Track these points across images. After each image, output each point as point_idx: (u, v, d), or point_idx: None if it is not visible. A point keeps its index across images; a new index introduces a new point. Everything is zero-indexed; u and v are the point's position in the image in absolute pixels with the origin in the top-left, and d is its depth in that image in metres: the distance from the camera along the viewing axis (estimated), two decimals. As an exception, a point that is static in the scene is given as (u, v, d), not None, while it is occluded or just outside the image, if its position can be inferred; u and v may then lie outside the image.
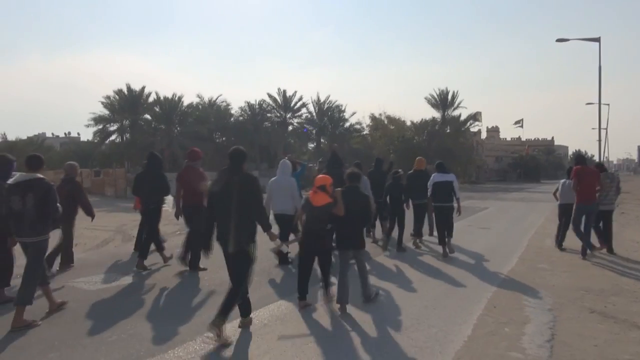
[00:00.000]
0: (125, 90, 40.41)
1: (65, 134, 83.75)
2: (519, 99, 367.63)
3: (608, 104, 47.62)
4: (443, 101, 50.08)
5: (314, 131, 47.08)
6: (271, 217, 6.63)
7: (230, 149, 4.63)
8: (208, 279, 6.68)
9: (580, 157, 9.05)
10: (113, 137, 41.93)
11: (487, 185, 48.78)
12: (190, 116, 41.81)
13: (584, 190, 8.33)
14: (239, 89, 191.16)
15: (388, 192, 9.10)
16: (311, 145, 49.77)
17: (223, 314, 4.27)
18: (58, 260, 7.29)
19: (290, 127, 47.28)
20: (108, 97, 40.54)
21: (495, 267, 7.48)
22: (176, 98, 39.58)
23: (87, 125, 40.12)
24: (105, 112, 40.47)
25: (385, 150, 46.25)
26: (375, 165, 10.24)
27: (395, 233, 9.10)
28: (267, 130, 45.83)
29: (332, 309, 5.19)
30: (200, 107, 44.35)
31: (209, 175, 7.25)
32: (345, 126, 47.46)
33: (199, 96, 45.84)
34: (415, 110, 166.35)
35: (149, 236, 7.54)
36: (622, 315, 5.03)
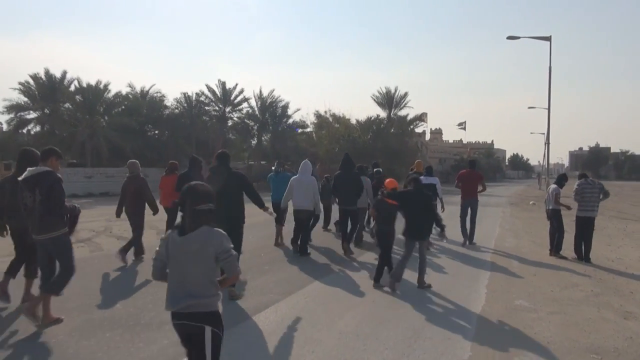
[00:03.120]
0: (42, 75, 36.08)
1: (-16, 122, 76.44)
2: (461, 102, 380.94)
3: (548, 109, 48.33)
4: (389, 100, 48.98)
5: (255, 127, 44.49)
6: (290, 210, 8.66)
7: (218, 152, 6.23)
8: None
9: (472, 162, 11.00)
10: (30, 126, 37.57)
11: (432, 187, 48.15)
12: (118, 106, 38.03)
13: (464, 189, 10.34)
14: (182, 84, 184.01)
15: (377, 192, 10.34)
16: (253, 142, 47.03)
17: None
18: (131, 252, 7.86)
19: (230, 122, 44.33)
20: (25, 83, 36.05)
21: (463, 304, 5.60)
22: (101, 86, 35.59)
23: (2, 113, 35.61)
24: (23, 99, 36.06)
25: (331, 149, 44.54)
26: (373, 167, 11.44)
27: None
28: (205, 125, 42.79)
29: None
30: (130, 97, 40.60)
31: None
32: (288, 122, 45.07)
33: (130, 85, 41.87)
34: (362, 110, 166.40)
35: None
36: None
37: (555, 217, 9.00)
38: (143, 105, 39.79)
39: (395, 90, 48.78)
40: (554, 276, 7.19)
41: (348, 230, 8.91)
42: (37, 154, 4.95)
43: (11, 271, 5.40)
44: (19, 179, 4.68)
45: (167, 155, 35.71)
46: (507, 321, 5.02)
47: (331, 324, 4.81)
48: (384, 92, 48.97)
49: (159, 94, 41.78)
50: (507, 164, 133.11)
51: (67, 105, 36.78)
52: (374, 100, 49.56)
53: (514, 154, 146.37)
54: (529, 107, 43.38)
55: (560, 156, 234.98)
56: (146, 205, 7.93)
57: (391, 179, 7.10)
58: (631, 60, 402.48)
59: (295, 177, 8.58)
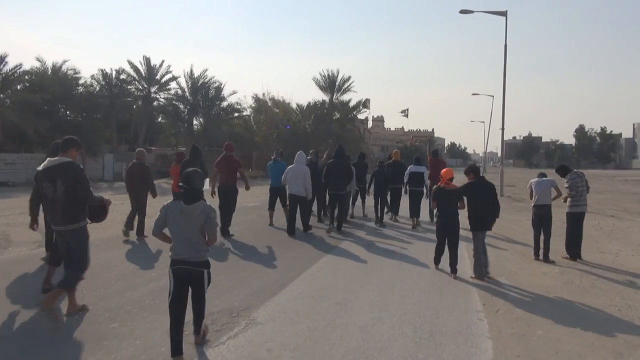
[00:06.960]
0: None
1: None
2: (403, 90, 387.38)
3: (492, 96, 47.75)
4: (332, 84, 46.52)
5: (185, 110, 40.42)
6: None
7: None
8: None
9: (434, 152, 11.70)
10: None
11: (375, 175, 46.38)
12: (19, 82, 32.74)
13: (431, 176, 10.62)
14: (111, 65, 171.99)
15: (374, 179, 11.14)
16: (184, 126, 42.85)
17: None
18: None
19: (156, 104, 39.93)
20: None
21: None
22: (-5, 58, 30.08)
23: None
24: None
25: (269, 135, 41.43)
26: (358, 158, 12.21)
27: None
28: (128, 106, 38.15)
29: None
30: (39, 71, 35.16)
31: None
32: (222, 105, 41.26)
33: (39, 59, 36.36)
34: (304, 97, 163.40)
35: None
36: None
37: (545, 216, 7.67)
38: (53, 82, 34.55)
39: (338, 74, 46.34)
40: (582, 322, 4.73)
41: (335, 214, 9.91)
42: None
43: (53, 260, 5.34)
44: (38, 169, 4.72)
45: (82, 139, 31.13)
46: None
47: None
48: (327, 75, 46.38)
49: (72, 71, 36.54)
50: (445, 152, 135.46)
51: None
52: (316, 83, 46.92)
53: (451, 142, 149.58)
54: (473, 94, 42.88)
55: (495, 145, 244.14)
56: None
57: (448, 168, 6.99)
58: (560, 53, 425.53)
59: (291, 166, 9.53)
